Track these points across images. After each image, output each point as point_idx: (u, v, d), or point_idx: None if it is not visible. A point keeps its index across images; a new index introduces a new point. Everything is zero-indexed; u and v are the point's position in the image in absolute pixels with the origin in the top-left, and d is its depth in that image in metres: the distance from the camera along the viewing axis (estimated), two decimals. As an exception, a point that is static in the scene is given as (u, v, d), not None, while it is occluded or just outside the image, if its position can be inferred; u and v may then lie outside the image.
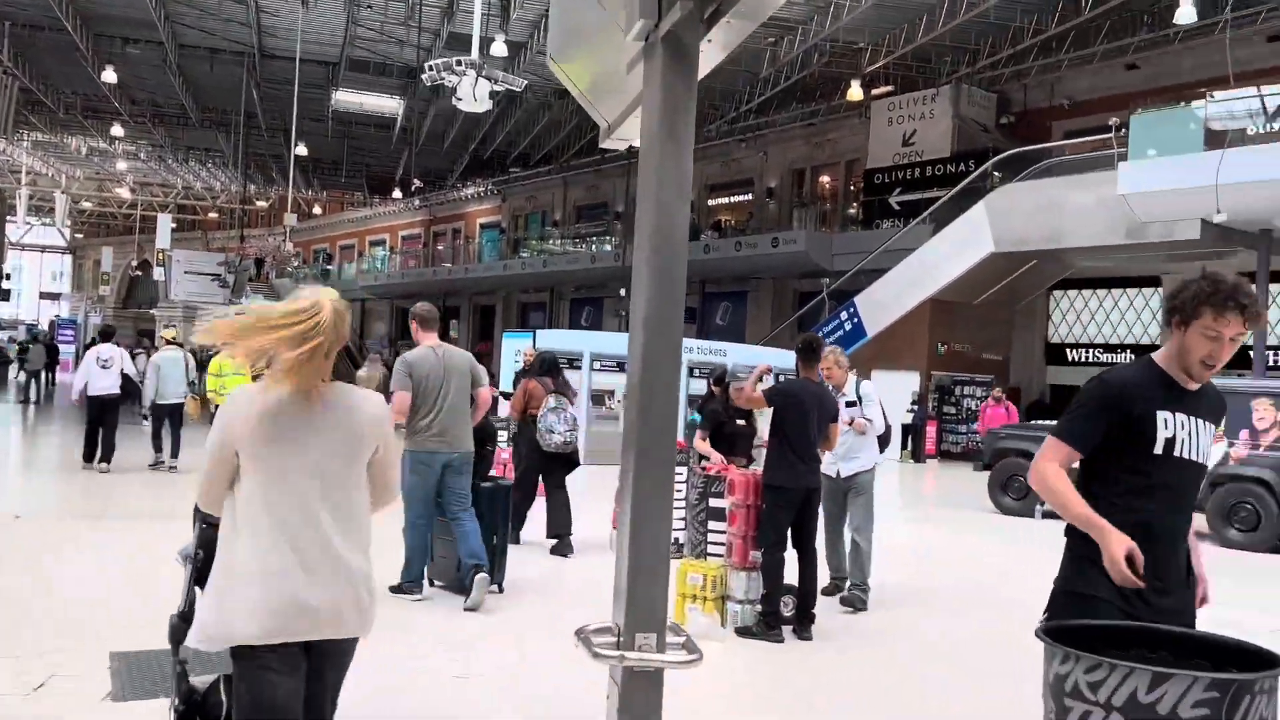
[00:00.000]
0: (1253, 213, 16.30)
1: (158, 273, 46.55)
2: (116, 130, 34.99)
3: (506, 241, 41.08)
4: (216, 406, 8.73)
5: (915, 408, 21.66)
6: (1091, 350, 23.98)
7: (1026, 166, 21.34)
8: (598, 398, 18.16)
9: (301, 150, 33.40)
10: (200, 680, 3.04)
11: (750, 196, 31.78)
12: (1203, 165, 16.05)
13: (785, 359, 14.79)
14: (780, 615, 6.15)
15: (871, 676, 5.76)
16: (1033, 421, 17.51)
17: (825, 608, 6.66)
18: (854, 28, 22.30)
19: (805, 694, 5.35)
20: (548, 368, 9.28)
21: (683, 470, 8.29)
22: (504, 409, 11.45)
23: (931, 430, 22.10)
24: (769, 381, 7.43)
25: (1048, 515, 11.89)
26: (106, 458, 12.32)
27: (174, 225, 47.53)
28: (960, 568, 9.53)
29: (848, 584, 7.16)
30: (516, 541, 8.57)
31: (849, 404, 7.12)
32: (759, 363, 9.25)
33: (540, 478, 8.93)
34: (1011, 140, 24.31)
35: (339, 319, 2.63)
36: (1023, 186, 20.71)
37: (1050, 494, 2.77)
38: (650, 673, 2.30)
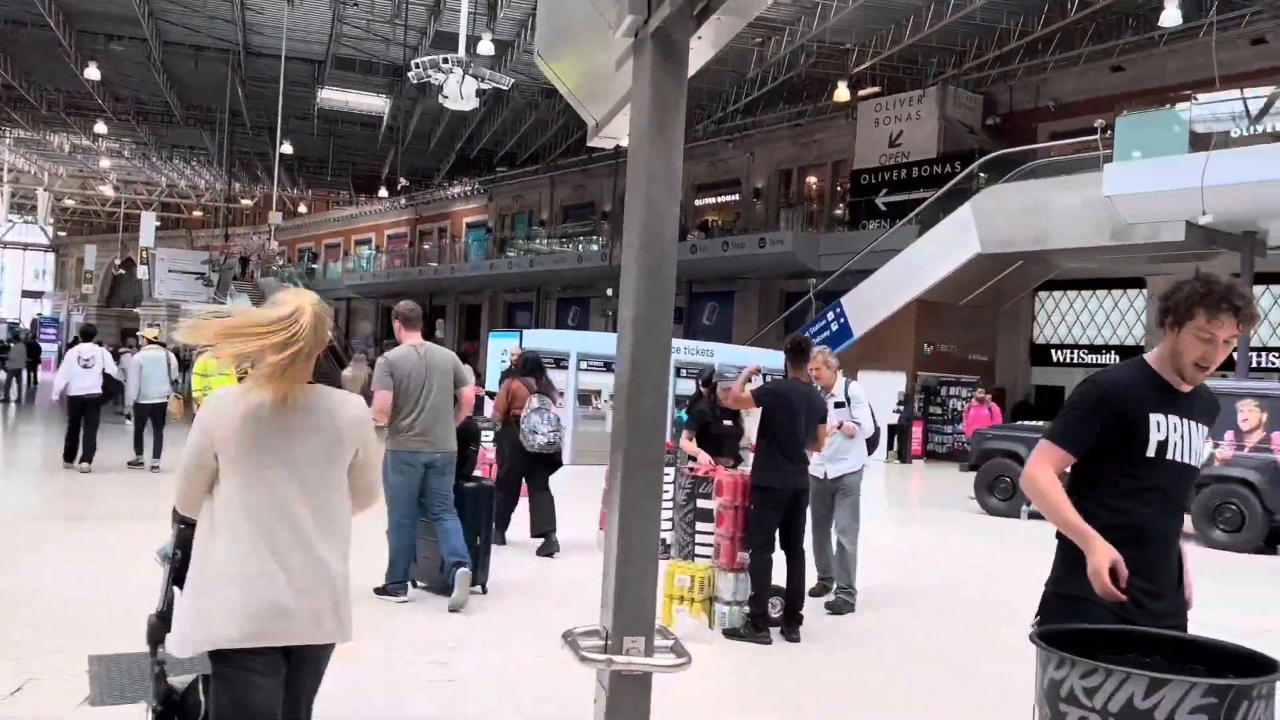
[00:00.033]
0: (1237, 215, 16.38)
1: (141, 271, 46.19)
2: (100, 127, 34.76)
3: (493, 241, 41.00)
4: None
5: (901, 408, 21.71)
6: (1076, 351, 24.09)
7: (1012, 168, 21.42)
8: (584, 398, 18.12)
9: (287, 148, 33.23)
10: (179, 680, 3.02)
11: (737, 197, 31.79)
12: (1187, 167, 16.12)
13: (772, 359, 14.80)
14: (768, 617, 6.13)
15: (859, 677, 5.75)
16: (1018, 422, 17.57)
17: (813, 609, 6.65)
18: (841, 29, 22.33)
19: (793, 695, 5.33)
20: (531, 368, 9.23)
21: (670, 471, 8.25)
22: (489, 409, 11.40)
23: (917, 431, 22.16)
24: (758, 382, 7.40)
25: (1033, 516, 11.92)
26: (88, 457, 12.25)
27: (158, 223, 47.14)
28: (946, 568, 9.53)
29: (834, 587, 7.14)
30: (502, 542, 8.53)
31: (837, 405, 7.10)
32: (746, 363, 9.23)
33: (523, 479, 8.89)
34: (997, 142, 24.40)
35: (319, 323, 2.64)
36: (1008, 188, 20.78)
37: (1041, 499, 2.74)
38: (639, 676, 2.27)
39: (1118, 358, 22.23)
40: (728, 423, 8.57)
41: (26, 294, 64.23)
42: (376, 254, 47.47)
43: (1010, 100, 25.79)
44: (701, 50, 2.44)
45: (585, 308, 35.37)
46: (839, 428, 6.99)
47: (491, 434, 9.89)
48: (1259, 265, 17.03)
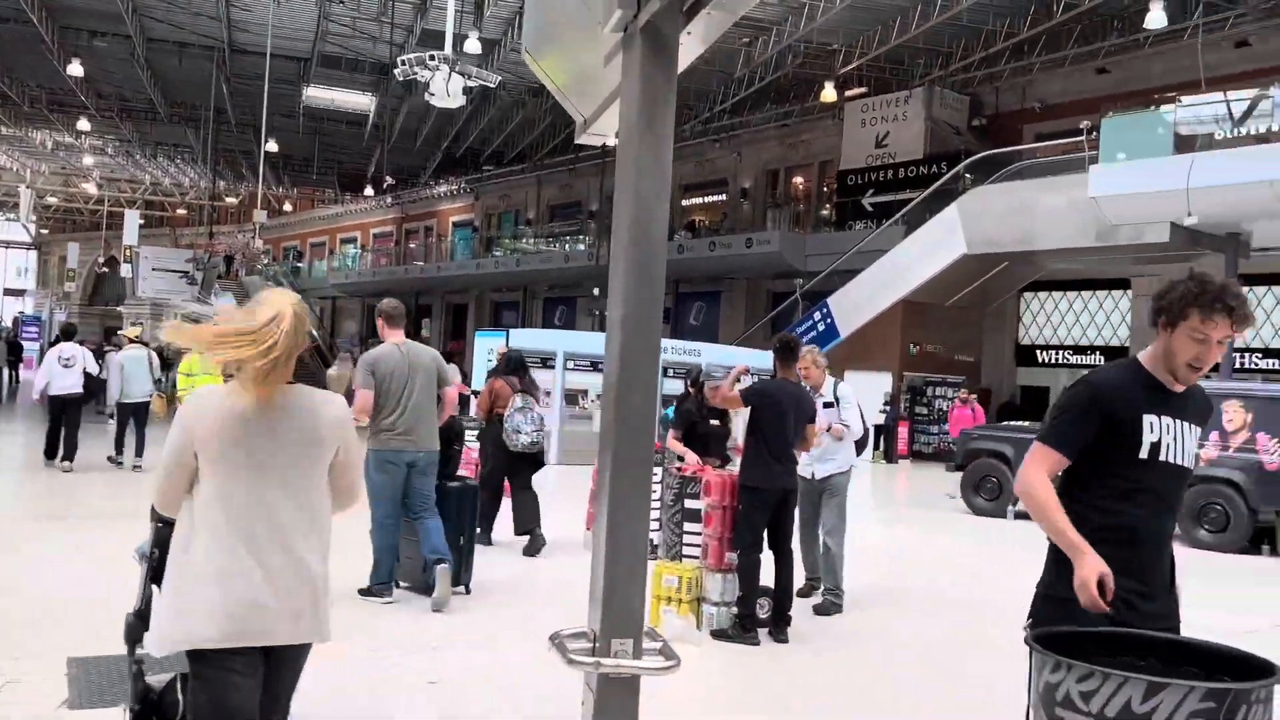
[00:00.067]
0: (1221, 216, 16.47)
1: (125, 269, 45.88)
2: (83, 124, 34.50)
3: (479, 240, 40.90)
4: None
5: (888, 408, 21.74)
6: (1061, 352, 24.18)
7: (998, 169, 21.48)
8: (571, 397, 18.06)
9: (272, 146, 33.03)
10: (156, 679, 2.99)
11: (724, 197, 31.80)
12: (1172, 169, 16.21)
13: (759, 359, 14.76)
14: (756, 617, 6.11)
15: (846, 678, 5.74)
16: (1004, 423, 17.61)
17: (800, 609, 6.63)
18: (828, 29, 22.35)
19: (781, 696, 5.31)
20: (514, 367, 9.18)
21: (658, 471, 8.21)
22: (474, 408, 11.34)
23: (904, 431, 22.20)
24: (747, 382, 7.37)
25: (1020, 516, 11.95)
26: (69, 456, 12.16)
27: (142, 221, 46.81)
28: (932, 568, 9.53)
29: (821, 589, 7.12)
30: (487, 543, 8.48)
31: (826, 405, 7.08)
32: (733, 363, 9.20)
33: (506, 478, 8.84)
34: (983, 143, 24.47)
35: (299, 324, 2.64)
36: (994, 189, 20.84)
37: (1034, 505, 2.70)
38: (627, 679, 2.24)
39: (1103, 358, 22.33)
40: (715, 422, 8.53)
41: (8, 292, 63.62)
42: (362, 253, 47.32)
43: (996, 101, 25.87)
44: (690, 46, 2.42)
45: (572, 307, 35.32)
46: (828, 430, 6.97)
47: (475, 433, 9.84)
48: (1243, 266, 17.12)
